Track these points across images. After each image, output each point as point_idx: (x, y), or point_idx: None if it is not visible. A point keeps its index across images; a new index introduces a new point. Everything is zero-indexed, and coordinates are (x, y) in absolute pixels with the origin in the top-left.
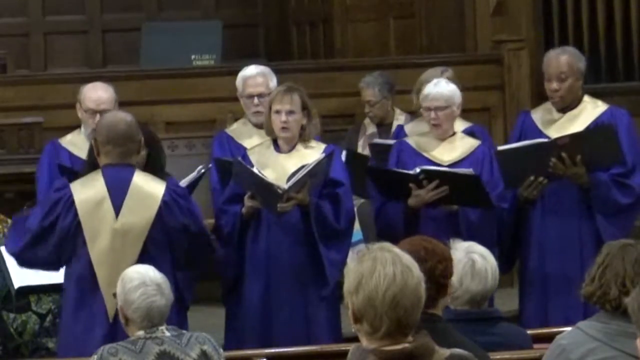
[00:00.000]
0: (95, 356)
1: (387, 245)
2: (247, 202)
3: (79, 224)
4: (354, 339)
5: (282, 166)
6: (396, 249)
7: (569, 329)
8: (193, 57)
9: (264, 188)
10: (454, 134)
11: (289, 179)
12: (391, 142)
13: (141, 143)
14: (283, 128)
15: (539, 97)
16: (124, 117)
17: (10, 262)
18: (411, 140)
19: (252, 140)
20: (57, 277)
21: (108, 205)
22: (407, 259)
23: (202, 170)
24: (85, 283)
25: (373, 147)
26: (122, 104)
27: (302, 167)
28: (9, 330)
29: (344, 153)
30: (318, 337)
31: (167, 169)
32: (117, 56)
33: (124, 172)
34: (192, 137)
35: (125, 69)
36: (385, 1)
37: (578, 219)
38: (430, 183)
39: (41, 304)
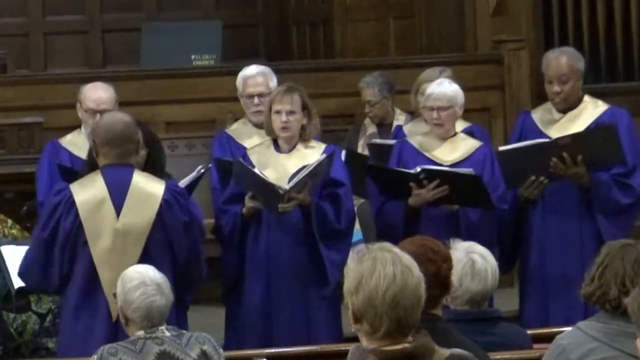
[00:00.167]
0: (95, 356)
1: (387, 245)
2: (248, 202)
3: (80, 224)
4: (354, 339)
5: (282, 166)
6: (396, 249)
7: (569, 329)
8: (193, 57)
9: (265, 188)
10: (455, 134)
11: (290, 180)
12: (390, 142)
13: (139, 143)
14: (283, 128)
15: (539, 97)
16: (121, 118)
17: (10, 262)
18: (413, 140)
19: (252, 140)
20: None
21: (109, 205)
22: (407, 259)
23: (202, 170)
24: (86, 283)
25: (372, 147)
26: (122, 104)
27: (303, 167)
28: (9, 330)
29: (343, 153)
30: (318, 337)
31: (167, 169)
32: (117, 56)
33: (124, 172)
34: (192, 137)
35: (125, 69)
36: (385, 1)
37: (579, 219)
38: (431, 182)
39: (41, 304)
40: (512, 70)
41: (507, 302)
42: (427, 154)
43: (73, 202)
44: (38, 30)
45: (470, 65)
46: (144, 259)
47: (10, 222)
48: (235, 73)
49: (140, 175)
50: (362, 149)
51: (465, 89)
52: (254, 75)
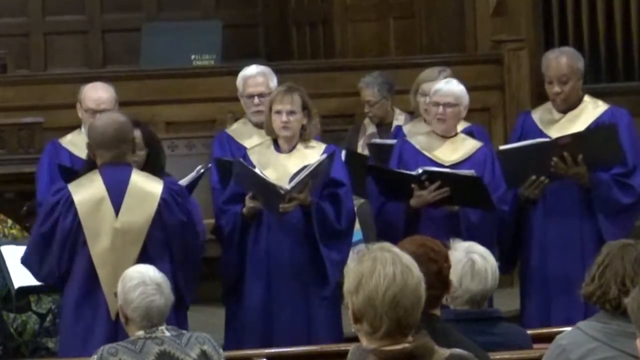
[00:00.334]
0: (95, 356)
1: (387, 245)
2: (249, 202)
3: (79, 224)
4: (354, 339)
5: (282, 166)
6: (396, 249)
7: (569, 329)
8: (193, 57)
9: (265, 189)
10: (456, 134)
11: (291, 180)
12: (390, 141)
13: (135, 142)
14: (284, 128)
15: (539, 97)
16: (114, 119)
17: (10, 262)
18: (413, 140)
19: (252, 140)
20: None
21: (107, 204)
22: (407, 259)
23: (202, 170)
24: (86, 283)
25: (372, 147)
26: (122, 104)
27: (304, 167)
28: (9, 330)
29: (343, 153)
30: (319, 337)
31: (167, 169)
32: (117, 56)
33: (122, 171)
34: (192, 137)
35: (125, 69)
36: (385, 1)
37: (579, 219)
38: (432, 184)
39: (41, 304)
40: (512, 70)
41: (507, 302)
42: (427, 154)
43: (72, 202)
44: (38, 30)
45: (470, 65)
46: (142, 257)
47: (10, 222)
48: (235, 73)
49: (138, 175)
50: (361, 149)
51: (465, 89)
52: (254, 75)
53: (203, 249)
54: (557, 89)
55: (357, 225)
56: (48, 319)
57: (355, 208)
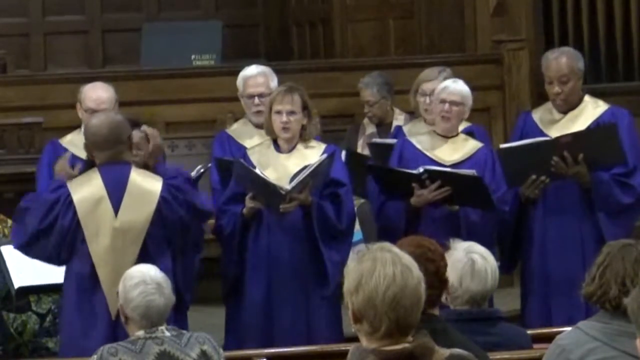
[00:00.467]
0: (95, 356)
1: (387, 245)
2: (249, 202)
3: (78, 223)
4: (354, 339)
5: (283, 166)
6: (396, 249)
7: (570, 329)
8: (193, 57)
9: (266, 189)
10: (457, 134)
11: (291, 180)
12: (391, 141)
13: (131, 139)
14: (284, 128)
15: (539, 97)
16: (107, 120)
17: (11, 262)
18: (414, 140)
19: (252, 140)
20: (57, 277)
21: (107, 204)
22: (407, 259)
23: (202, 170)
24: (86, 282)
25: (372, 146)
26: (122, 104)
27: (305, 167)
28: (9, 330)
29: (343, 153)
30: (319, 337)
31: None
32: (117, 56)
33: (121, 169)
34: (192, 137)
35: (125, 69)
36: (385, 1)
37: (579, 218)
38: (433, 183)
39: (41, 304)
40: (512, 70)
41: (507, 302)
42: (428, 154)
43: (71, 201)
44: (38, 30)
45: (470, 65)
46: (142, 256)
47: (10, 222)
48: (235, 73)
49: (137, 173)
50: (361, 148)
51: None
52: (255, 76)
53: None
54: (557, 89)
55: (357, 226)
56: (48, 319)
57: (355, 208)
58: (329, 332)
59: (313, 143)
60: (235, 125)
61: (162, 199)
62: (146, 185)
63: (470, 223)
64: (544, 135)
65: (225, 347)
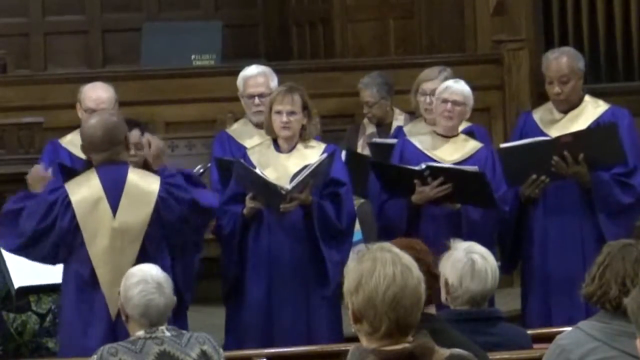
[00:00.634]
0: (95, 356)
1: (387, 245)
2: (249, 203)
3: (77, 224)
4: (354, 339)
5: (283, 166)
6: (396, 249)
7: (570, 329)
8: (193, 57)
9: (266, 189)
10: (457, 134)
11: (292, 180)
12: (391, 141)
13: (128, 139)
14: (284, 128)
15: (539, 97)
16: (102, 122)
17: (10, 262)
18: (414, 139)
19: (252, 140)
20: (57, 277)
21: (105, 204)
22: (407, 259)
23: (202, 170)
24: (85, 283)
25: (372, 146)
26: (122, 104)
27: (305, 167)
28: (9, 330)
29: (343, 153)
30: (319, 337)
31: None
32: (117, 56)
33: (118, 170)
34: (192, 137)
35: (125, 69)
36: (385, 1)
37: (580, 218)
38: (435, 180)
39: (41, 304)
40: (512, 70)
41: (507, 302)
42: (428, 154)
43: (69, 202)
44: (38, 30)
45: (470, 65)
46: (141, 256)
47: None
48: (235, 73)
49: (134, 173)
50: (361, 148)
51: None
52: (255, 76)
53: (205, 229)
54: (557, 89)
55: (357, 226)
56: (48, 319)
57: (355, 208)
58: (329, 332)
59: (313, 143)
60: (235, 125)
61: (160, 199)
62: (144, 186)
63: (471, 222)
64: (544, 135)
65: (225, 347)
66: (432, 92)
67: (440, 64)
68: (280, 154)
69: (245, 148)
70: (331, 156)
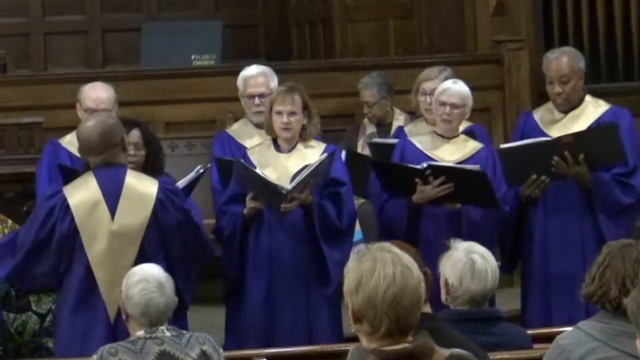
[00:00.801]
0: (95, 356)
1: (387, 245)
2: (249, 203)
3: (76, 227)
4: (354, 339)
5: (283, 166)
6: (396, 249)
7: (570, 329)
8: (193, 57)
9: (267, 188)
10: (457, 135)
11: (292, 179)
12: (391, 141)
13: (124, 141)
14: (284, 129)
15: (539, 97)
16: (97, 124)
17: None
18: (415, 140)
19: (253, 140)
20: None
21: (103, 207)
22: (407, 259)
23: (201, 171)
24: (84, 285)
25: (373, 146)
26: (122, 104)
27: (305, 167)
28: (9, 330)
29: (343, 153)
30: (320, 337)
31: (167, 169)
32: (117, 56)
33: (116, 172)
34: (192, 137)
35: (125, 69)
36: (385, 1)
37: (580, 218)
38: (436, 179)
39: (41, 304)
40: (512, 70)
41: (507, 302)
42: (429, 154)
43: (68, 206)
44: (38, 30)
45: (470, 65)
46: (139, 259)
47: (10, 222)
48: (235, 73)
49: (132, 176)
50: (361, 148)
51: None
52: (255, 76)
53: (209, 247)
54: (558, 89)
55: (357, 225)
56: (48, 319)
57: (356, 208)
58: (330, 332)
59: (313, 143)
60: (236, 125)
61: (158, 201)
62: (142, 188)
63: (472, 222)
64: (545, 135)
65: (225, 347)
66: (433, 92)
67: (440, 64)
68: (280, 153)
69: (245, 148)
70: (331, 156)
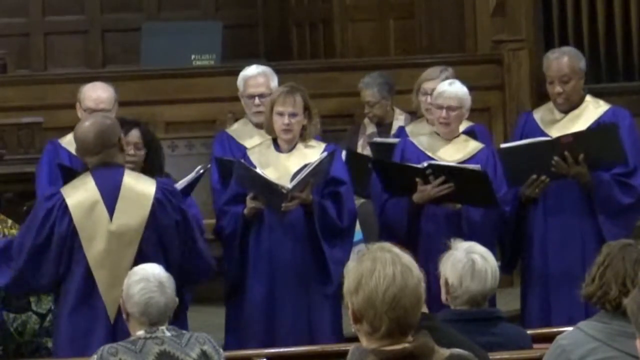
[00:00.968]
0: (95, 356)
1: (387, 245)
2: (250, 203)
3: (74, 228)
4: (354, 339)
5: (283, 166)
6: (396, 249)
7: (570, 329)
8: (193, 57)
9: (267, 188)
10: (458, 135)
11: (292, 179)
12: (392, 140)
13: (122, 141)
14: (285, 130)
15: (539, 97)
16: (93, 125)
17: None
18: (415, 140)
19: (253, 140)
20: None
21: (101, 207)
22: (407, 259)
23: (201, 171)
24: (84, 286)
25: (374, 145)
26: (122, 104)
27: (305, 166)
28: (9, 330)
29: (344, 153)
30: (320, 337)
31: (167, 169)
32: (117, 56)
33: (113, 173)
34: (192, 137)
35: (125, 69)
36: (385, 1)
37: (580, 218)
38: (437, 179)
39: (41, 304)
40: (512, 70)
41: (507, 302)
42: (430, 154)
43: (66, 207)
44: (38, 30)
45: (470, 65)
46: (138, 259)
47: (10, 222)
48: (235, 73)
49: (130, 176)
50: (361, 148)
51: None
52: (255, 76)
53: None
54: (558, 88)
55: (357, 225)
56: (48, 319)
57: (356, 207)
58: (330, 332)
59: (313, 142)
60: (236, 125)
61: (157, 201)
62: (140, 188)
63: (472, 221)
64: (545, 135)
65: (226, 347)
66: (433, 92)
67: (440, 64)
68: (281, 153)
69: (245, 148)
70: (331, 155)
